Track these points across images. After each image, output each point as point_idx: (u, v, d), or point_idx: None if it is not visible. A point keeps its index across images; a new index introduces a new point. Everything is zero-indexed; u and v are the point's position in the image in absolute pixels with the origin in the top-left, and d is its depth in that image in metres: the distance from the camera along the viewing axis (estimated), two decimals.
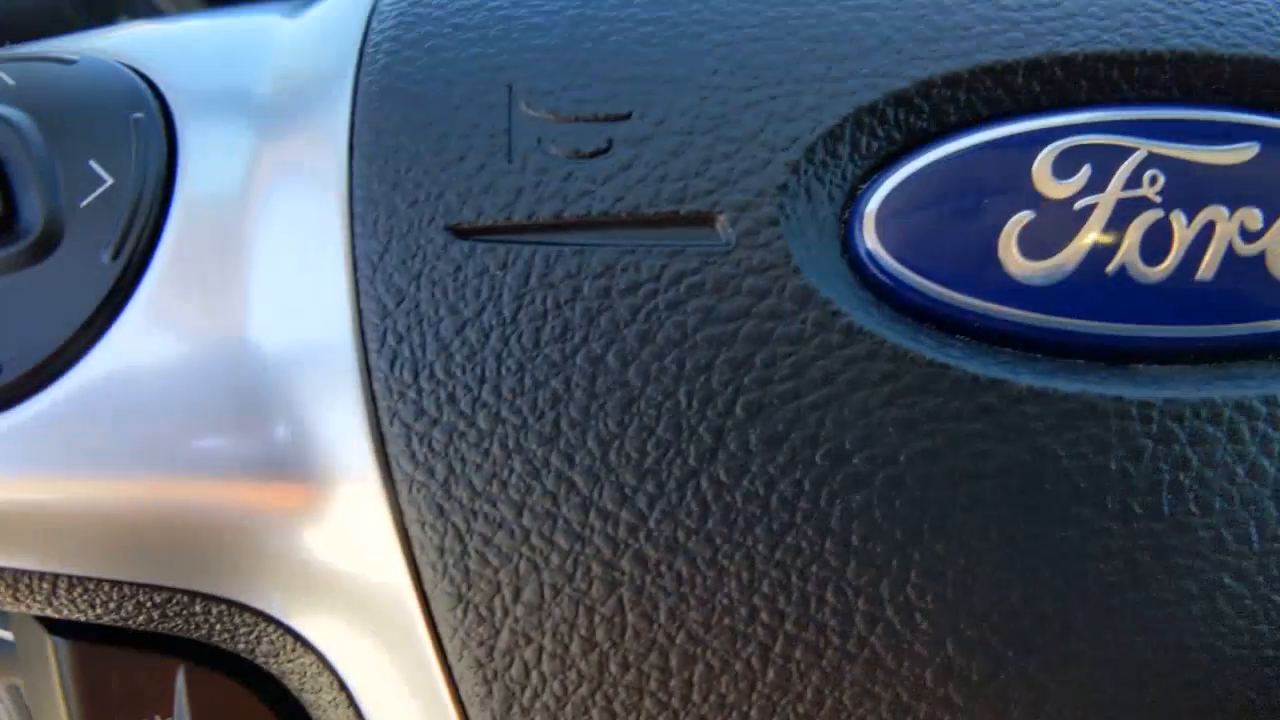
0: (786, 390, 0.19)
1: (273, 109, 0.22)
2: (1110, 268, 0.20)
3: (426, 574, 0.19)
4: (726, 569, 0.19)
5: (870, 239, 0.20)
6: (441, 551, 0.19)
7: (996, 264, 0.20)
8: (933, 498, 0.19)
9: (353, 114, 0.21)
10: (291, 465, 0.20)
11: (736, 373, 0.19)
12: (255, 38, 0.24)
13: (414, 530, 0.19)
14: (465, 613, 0.19)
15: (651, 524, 0.19)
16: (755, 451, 0.19)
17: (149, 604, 0.22)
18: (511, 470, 0.19)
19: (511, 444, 0.19)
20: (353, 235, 0.20)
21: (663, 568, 0.19)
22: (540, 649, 0.19)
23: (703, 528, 0.19)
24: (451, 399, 0.19)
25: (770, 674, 0.19)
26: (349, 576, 0.20)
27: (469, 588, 0.19)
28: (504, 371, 0.19)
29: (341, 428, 0.20)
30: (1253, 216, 0.20)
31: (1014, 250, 0.20)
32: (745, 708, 0.19)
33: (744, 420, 0.19)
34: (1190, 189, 0.20)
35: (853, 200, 0.20)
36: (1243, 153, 0.21)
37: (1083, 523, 0.19)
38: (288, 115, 0.22)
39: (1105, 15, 0.22)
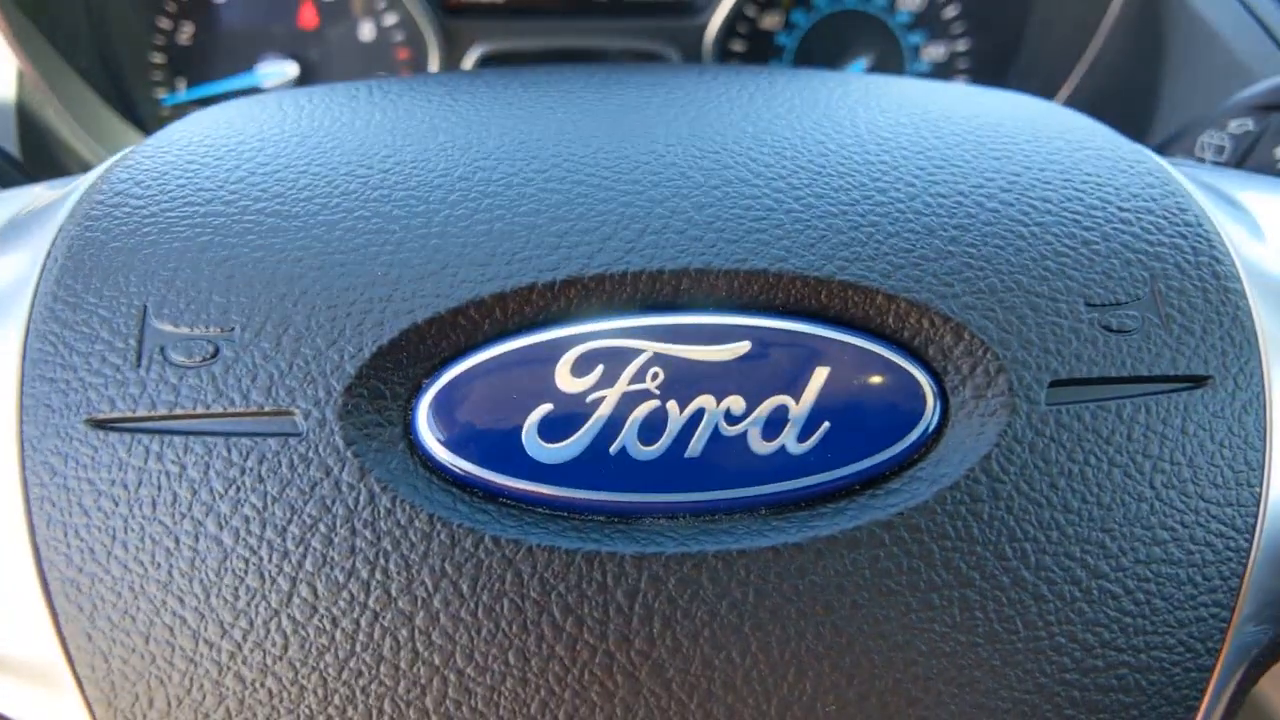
0: (344, 549, 0.24)
1: None
2: (613, 448, 0.25)
3: (86, 685, 0.25)
4: (305, 687, 0.24)
5: (423, 427, 0.25)
6: (92, 668, 0.25)
7: (520, 447, 0.25)
8: (462, 631, 0.24)
9: (28, 324, 0.26)
10: None
11: (305, 534, 0.24)
12: None
13: (73, 650, 0.25)
14: (115, 715, 0.25)
15: (246, 652, 0.24)
16: (321, 597, 0.24)
17: None
18: (138, 608, 0.25)
19: (137, 588, 0.24)
20: (21, 423, 0.25)
21: (257, 685, 0.24)
22: None
23: (285, 655, 0.24)
24: (91, 552, 0.25)
25: None
26: (37, 674, 0.26)
27: (115, 696, 0.25)
28: (129, 532, 0.24)
29: (16, 569, 0.25)
30: (737, 403, 0.25)
31: (536, 436, 0.25)
32: None
33: (312, 573, 0.24)
34: (686, 382, 0.25)
35: (415, 394, 0.25)
36: (735, 350, 0.26)
37: (590, 649, 0.24)
38: None
39: (634, 238, 0.26)
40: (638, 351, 0.25)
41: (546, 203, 0.28)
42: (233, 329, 0.25)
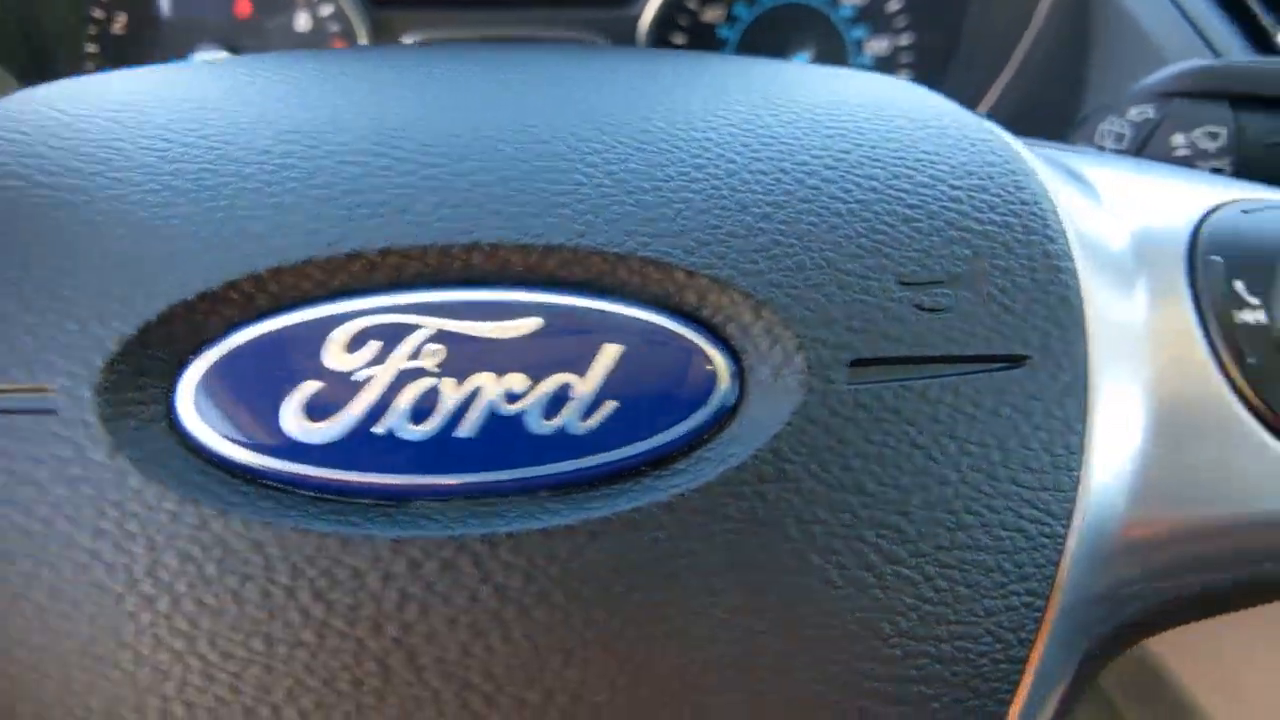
0: (90, 530, 0.23)
1: None
2: (379, 428, 0.24)
3: None
4: (45, 673, 0.23)
5: (184, 405, 0.24)
6: None
7: (281, 427, 0.24)
8: (207, 616, 0.23)
9: None
10: None
11: (51, 515, 0.23)
12: None
13: None
14: None
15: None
16: (65, 579, 0.23)
17: None
18: None
19: None
20: None
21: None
22: None
23: (26, 640, 0.23)
24: None
25: None
26: None
27: None
28: None
29: None
30: (519, 381, 0.24)
31: (301, 415, 0.24)
32: None
33: (57, 555, 0.23)
34: (466, 360, 0.24)
35: (179, 371, 0.24)
36: (524, 326, 0.25)
37: (339, 635, 0.23)
38: None
39: (429, 211, 0.25)
40: (416, 327, 0.24)
41: (343, 175, 0.27)
42: (3, 305, 0.24)
